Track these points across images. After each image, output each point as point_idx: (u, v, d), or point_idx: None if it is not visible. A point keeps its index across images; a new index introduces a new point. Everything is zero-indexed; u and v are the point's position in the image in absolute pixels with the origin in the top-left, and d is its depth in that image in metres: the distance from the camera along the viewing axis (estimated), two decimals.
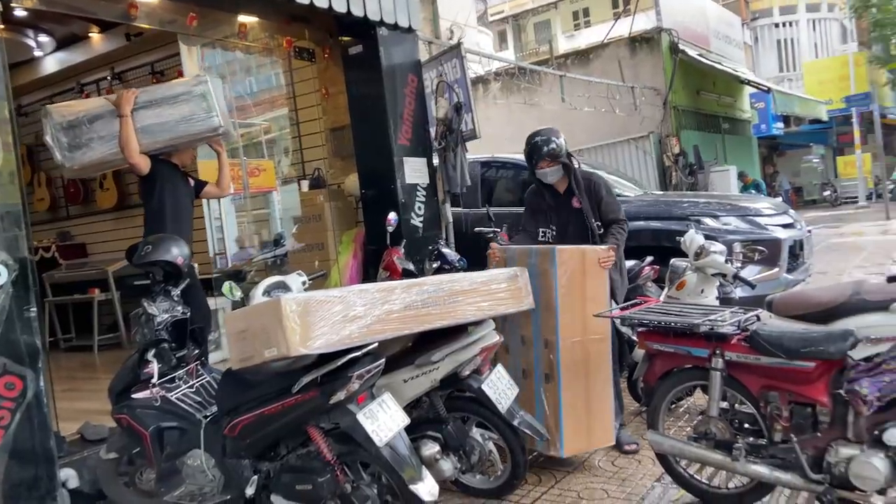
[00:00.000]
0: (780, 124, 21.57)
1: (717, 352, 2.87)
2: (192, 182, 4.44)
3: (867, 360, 2.64)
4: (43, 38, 6.71)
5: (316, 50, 6.07)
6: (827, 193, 24.01)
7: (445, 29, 12.63)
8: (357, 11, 5.13)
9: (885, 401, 2.52)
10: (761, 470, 2.79)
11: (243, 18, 5.33)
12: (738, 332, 2.83)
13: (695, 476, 3.14)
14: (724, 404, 3.01)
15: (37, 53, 6.97)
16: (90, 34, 6.61)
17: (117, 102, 3.97)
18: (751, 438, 2.89)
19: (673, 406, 4.07)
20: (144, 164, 4.08)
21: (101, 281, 7.01)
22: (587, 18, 28.73)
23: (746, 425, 2.96)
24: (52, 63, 7.17)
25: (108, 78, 7.22)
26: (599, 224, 3.78)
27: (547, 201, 3.94)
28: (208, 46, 5.80)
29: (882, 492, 2.56)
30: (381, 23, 5.43)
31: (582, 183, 3.83)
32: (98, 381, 6.00)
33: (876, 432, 2.56)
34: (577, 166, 3.87)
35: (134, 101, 4.00)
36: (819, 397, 2.68)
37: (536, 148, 3.82)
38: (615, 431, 3.64)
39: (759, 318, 2.93)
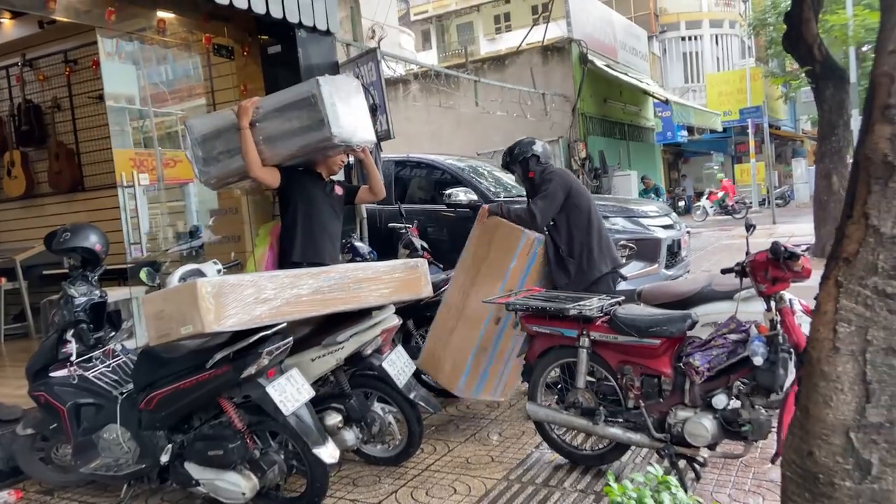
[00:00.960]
0: (685, 132, 22.98)
1: (584, 332, 3.34)
2: (340, 190, 4.31)
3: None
4: None
5: (235, 47, 6.21)
6: None
7: (367, 28, 12.84)
8: (276, 13, 5.34)
9: (714, 371, 3.05)
10: (616, 432, 3.28)
11: (162, 14, 5.44)
12: (602, 315, 3.31)
13: (566, 441, 3.61)
14: (590, 379, 3.49)
15: None
16: (1, 20, 6.50)
17: (237, 113, 3.82)
18: (611, 406, 3.38)
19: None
20: (271, 178, 3.92)
21: (8, 270, 6.91)
22: (508, 23, 29.53)
23: (608, 396, 3.45)
24: None
25: (19, 64, 7.11)
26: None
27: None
28: (125, 38, 5.86)
29: (710, 447, 3.10)
30: (300, 24, 5.66)
31: (536, 183, 4.31)
32: (6, 368, 5.99)
33: (707, 398, 3.08)
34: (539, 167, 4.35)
35: (253, 111, 3.80)
36: (664, 369, 3.19)
37: (503, 159, 4.55)
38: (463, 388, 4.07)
39: (620, 305, 3.42)
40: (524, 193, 7.15)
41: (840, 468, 1.56)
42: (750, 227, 3.28)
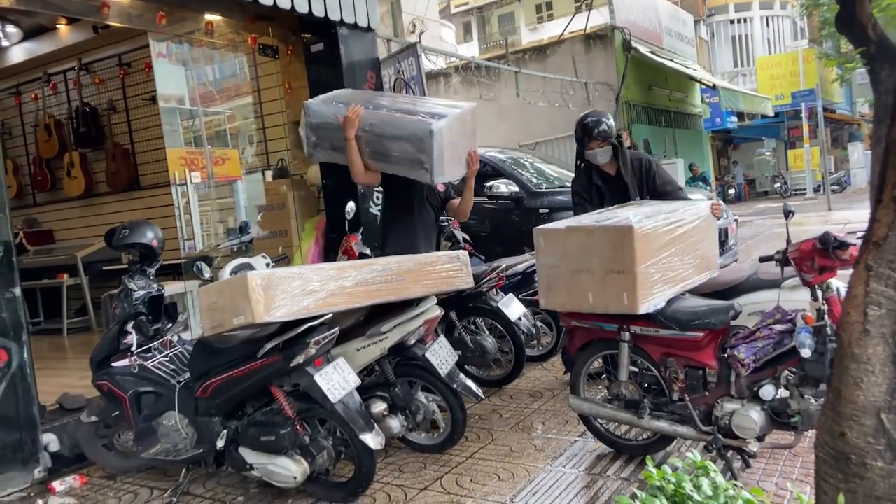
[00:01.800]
0: (735, 118, 22.42)
1: (625, 326, 3.31)
2: (442, 187, 4.29)
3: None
4: (10, 28, 6.86)
5: (279, 47, 6.37)
6: (777, 185, 24.96)
7: (408, 23, 12.93)
8: (318, 11, 5.47)
9: (760, 363, 3.01)
10: (662, 425, 3.26)
11: (210, 16, 5.62)
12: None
13: (610, 431, 3.62)
14: (634, 369, 3.48)
15: (3, 43, 7.11)
16: (58, 25, 6.79)
17: (342, 125, 3.89)
18: (655, 398, 3.37)
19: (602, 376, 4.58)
20: (373, 179, 4.09)
21: (70, 267, 7.24)
22: (550, 12, 29.20)
23: (652, 387, 3.44)
24: (18, 53, 7.29)
25: (76, 68, 7.41)
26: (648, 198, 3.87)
27: (595, 183, 3.98)
28: (175, 40, 6.07)
29: (759, 438, 3.06)
30: (342, 22, 5.77)
31: (630, 163, 3.89)
32: (70, 360, 6.29)
33: (754, 389, 3.05)
34: (625, 147, 3.95)
35: (364, 125, 3.85)
36: (708, 361, 3.15)
37: (587, 128, 3.86)
38: None
39: None
40: (566, 183, 7.14)
41: (871, 448, 1.56)
42: (788, 213, 3.22)
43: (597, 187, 3.99)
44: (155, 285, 3.66)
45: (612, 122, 3.90)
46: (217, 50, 6.65)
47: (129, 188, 7.64)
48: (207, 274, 3.73)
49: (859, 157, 24.00)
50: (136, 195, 7.64)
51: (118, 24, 5.27)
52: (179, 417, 3.39)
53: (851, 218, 12.89)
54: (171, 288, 5.28)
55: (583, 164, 4.06)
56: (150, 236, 3.64)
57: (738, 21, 29.61)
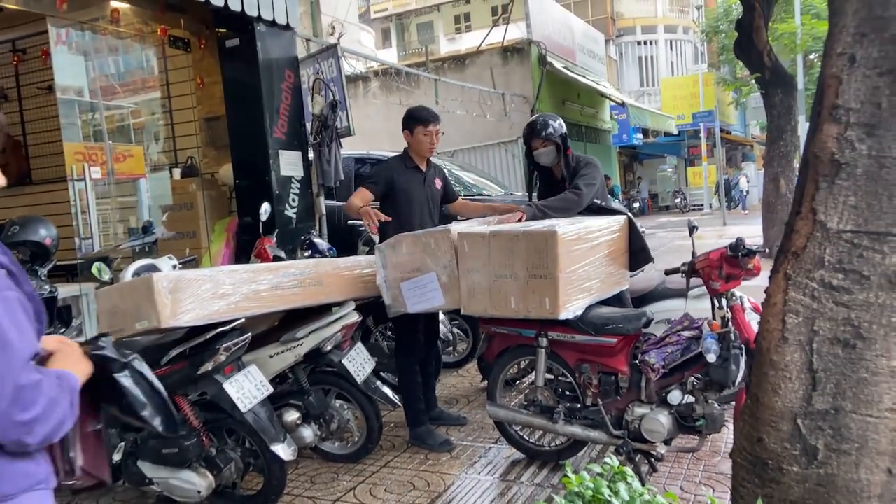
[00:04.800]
0: (640, 135, 23.44)
1: (542, 332, 3.36)
2: (440, 184, 4.10)
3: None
4: None
5: (191, 40, 6.10)
6: (678, 200, 26.30)
7: (327, 25, 12.74)
8: (234, 5, 5.25)
9: (669, 368, 3.12)
10: (576, 430, 3.32)
11: (116, 3, 5.31)
12: None
13: (524, 437, 3.64)
14: (549, 376, 3.53)
15: None
16: None
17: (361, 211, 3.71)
18: (569, 404, 3.42)
19: (517, 382, 4.62)
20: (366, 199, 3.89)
21: None
22: (468, 23, 29.64)
23: (567, 393, 3.50)
24: None
25: None
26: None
27: (543, 184, 4.03)
28: (77, 27, 5.70)
29: (667, 442, 3.16)
30: (259, 18, 5.59)
31: (572, 165, 3.88)
32: None
33: (663, 394, 3.15)
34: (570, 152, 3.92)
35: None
36: (620, 367, 3.24)
37: (534, 128, 3.90)
38: None
39: None
40: (483, 191, 7.19)
41: (788, 454, 1.62)
42: (693, 229, 3.37)
43: (540, 191, 4.06)
44: (47, 286, 3.38)
45: (558, 124, 3.91)
46: (123, 40, 6.30)
47: (20, 182, 7.09)
48: (107, 276, 3.49)
49: (752, 175, 25.57)
50: (27, 190, 7.10)
51: (13, 7, 4.88)
52: None
53: (745, 232, 13.65)
54: (66, 290, 4.92)
55: (534, 170, 4.09)
56: (42, 234, 3.37)
57: (645, 43, 31.09)
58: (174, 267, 3.71)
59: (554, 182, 4.00)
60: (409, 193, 3.89)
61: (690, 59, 32.02)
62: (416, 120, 3.89)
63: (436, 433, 3.85)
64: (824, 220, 1.64)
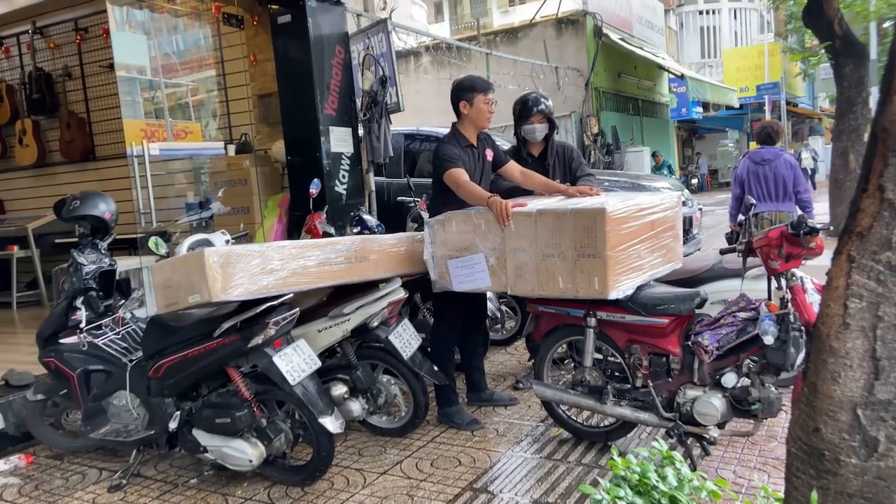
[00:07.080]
0: (700, 109, 22.68)
1: (591, 312, 3.30)
2: (490, 154, 3.94)
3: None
4: None
5: (244, 17, 6.17)
6: None
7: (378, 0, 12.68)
8: None
9: (723, 350, 3.02)
10: (625, 411, 3.26)
11: None
12: None
13: (572, 417, 3.60)
14: (598, 356, 3.47)
15: None
16: None
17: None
18: (618, 384, 3.36)
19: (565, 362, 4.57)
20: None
21: (20, 238, 6.96)
22: None
23: (616, 373, 3.44)
24: None
25: (30, 32, 7.08)
26: (569, 184, 3.86)
27: (523, 160, 4.04)
28: (135, 6, 5.82)
29: (720, 425, 3.08)
30: None
31: (555, 146, 4.03)
32: (18, 335, 6.06)
33: (716, 377, 3.06)
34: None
35: None
36: (672, 348, 3.16)
37: (529, 103, 3.96)
38: None
39: None
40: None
41: (846, 445, 1.54)
42: (750, 206, 3.23)
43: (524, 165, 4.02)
44: (107, 260, 3.50)
45: (550, 103, 4.05)
46: (179, 18, 6.41)
47: (85, 158, 7.35)
48: (163, 250, 3.59)
49: (819, 150, 24.47)
50: (91, 166, 7.36)
51: None
52: (131, 397, 3.27)
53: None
54: (126, 263, 5.10)
55: (521, 148, 4.14)
56: (102, 208, 3.47)
57: (707, 12, 29.88)
58: (227, 242, 3.79)
59: (532, 159, 4.09)
60: (468, 175, 3.77)
61: (756, 29, 30.64)
62: (475, 89, 3.74)
63: (464, 412, 3.84)
64: (893, 198, 1.53)
